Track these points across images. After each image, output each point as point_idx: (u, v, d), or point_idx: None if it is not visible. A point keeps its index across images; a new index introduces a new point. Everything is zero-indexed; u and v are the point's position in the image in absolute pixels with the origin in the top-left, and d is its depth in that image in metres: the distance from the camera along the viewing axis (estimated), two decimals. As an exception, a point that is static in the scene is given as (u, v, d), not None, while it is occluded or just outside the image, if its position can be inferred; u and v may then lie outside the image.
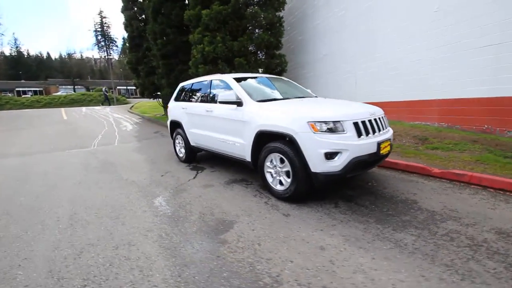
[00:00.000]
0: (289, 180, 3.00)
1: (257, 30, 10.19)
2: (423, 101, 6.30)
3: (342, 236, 2.29)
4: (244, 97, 3.60)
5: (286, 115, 2.99)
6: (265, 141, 3.28)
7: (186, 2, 12.31)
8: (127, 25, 14.89)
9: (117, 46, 51.94)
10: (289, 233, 2.39)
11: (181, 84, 5.57)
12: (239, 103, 3.61)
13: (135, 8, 15.02)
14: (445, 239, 2.19)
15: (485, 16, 4.92)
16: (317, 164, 2.73)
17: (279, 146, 3.02)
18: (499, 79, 4.83)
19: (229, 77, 4.07)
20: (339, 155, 2.72)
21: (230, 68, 9.87)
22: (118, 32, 74.69)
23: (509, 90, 4.70)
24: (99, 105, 24.82)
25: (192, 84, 5.03)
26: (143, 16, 15.10)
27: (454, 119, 5.76)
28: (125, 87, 47.66)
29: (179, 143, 5.39)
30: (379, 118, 3.16)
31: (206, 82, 4.58)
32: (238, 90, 3.70)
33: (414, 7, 6.33)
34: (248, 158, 3.58)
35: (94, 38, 42.05)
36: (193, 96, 4.90)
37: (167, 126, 6.12)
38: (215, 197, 3.38)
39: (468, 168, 3.71)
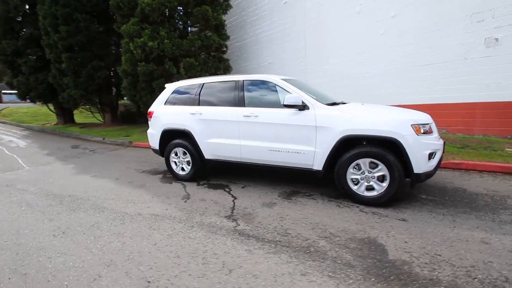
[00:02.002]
0: (384, 184, 2.94)
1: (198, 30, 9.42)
2: (373, 106, 7.60)
3: (477, 228, 2.46)
4: (310, 100, 3.27)
5: (387, 118, 2.95)
6: (344, 146, 3.11)
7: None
8: (-5, 0, 10.50)
9: None
10: (439, 236, 2.35)
11: (175, 84, 4.44)
12: (304, 107, 3.25)
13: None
14: (532, 214, 2.75)
15: (422, 43, 6.48)
16: (422, 165, 2.82)
17: (373, 150, 2.92)
18: (434, 90, 6.47)
19: (277, 78, 3.58)
20: (434, 154, 2.91)
21: (177, 69, 8.72)
22: None
23: (443, 98, 6.37)
24: None
25: (203, 84, 4.10)
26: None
27: (400, 121, 7.24)
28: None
29: (179, 157, 4.27)
30: None
31: (232, 83, 3.85)
32: (299, 93, 3.33)
33: (362, 28, 7.55)
34: (317, 166, 3.26)
35: None
36: (209, 98, 4.01)
37: (81, 139, 4.76)
38: (300, 216, 2.88)
39: (451, 158, 4.77)
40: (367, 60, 7.55)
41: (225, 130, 3.79)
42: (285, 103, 3.22)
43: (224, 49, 10.00)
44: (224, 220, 2.85)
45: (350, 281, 1.85)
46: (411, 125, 2.83)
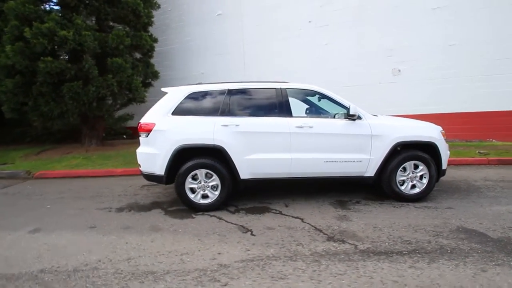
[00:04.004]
0: (424, 181, 3.50)
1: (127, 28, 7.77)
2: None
3: (492, 204, 3.35)
4: (361, 111, 3.46)
5: (424, 127, 3.55)
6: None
7: None
8: None
9: None
10: (488, 214, 3.04)
11: (187, 89, 3.49)
12: (358, 117, 3.40)
13: None
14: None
15: (350, 68, 8.05)
16: (445, 163, 3.57)
17: (417, 153, 3.43)
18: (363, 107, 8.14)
19: (322, 88, 3.52)
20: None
21: (100, 69, 6.73)
22: None
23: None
24: None
25: (231, 90, 3.43)
26: None
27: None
28: None
29: (199, 182, 3.35)
30: None
31: (272, 90, 3.47)
32: (351, 103, 3.43)
33: (301, 51, 8.51)
34: (369, 173, 3.47)
35: None
36: (242, 108, 3.40)
37: None
38: (385, 222, 2.95)
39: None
40: (306, 79, 8.45)
41: (271, 144, 3.34)
42: (351, 113, 3.28)
43: (150, 53, 8.62)
44: (335, 244, 2.53)
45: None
46: (440, 131, 3.57)
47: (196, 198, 3.40)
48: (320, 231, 2.82)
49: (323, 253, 2.39)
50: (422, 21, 7.32)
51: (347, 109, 3.41)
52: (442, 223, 2.92)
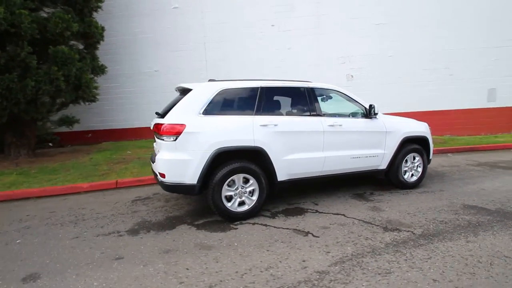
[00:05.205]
0: (419, 170, 4.12)
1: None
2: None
3: (478, 183, 4.24)
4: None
5: (419, 123, 4.14)
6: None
7: None
8: None
9: None
10: (475, 191, 3.81)
11: (216, 86, 3.12)
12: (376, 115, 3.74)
13: None
14: None
15: (310, 72, 8.65)
16: (431, 153, 4.28)
17: (416, 147, 4.01)
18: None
19: (341, 88, 3.69)
20: (430, 144, 4.52)
21: (40, 58, 5.31)
22: None
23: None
24: None
25: (264, 88, 3.23)
26: None
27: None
28: None
29: (237, 188, 3.07)
30: None
31: (301, 89, 3.44)
32: (369, 102, 3.72)
33: (264, 53, 8.65)
34: (382, 166, 3.88)
35: None
36: (274, 107, 3.28)
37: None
38: (411, 208, 3.36)
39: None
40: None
41: (308, 143, 3.33)
42: (376, 111, 3.56)
43: (98, 44, 7.26)
44: (395, 233, 2.73)
45: (524, 228, 2.77)
46: (428, 127, 4.25)
47: (232, 206, 3.08)
48: (371, 223, 2.98)
49: (394, 243, 2.55)
50: (369, 34, 8.53)
51: (366, 108, 3.72)
52: (450, 203, 3.51)
